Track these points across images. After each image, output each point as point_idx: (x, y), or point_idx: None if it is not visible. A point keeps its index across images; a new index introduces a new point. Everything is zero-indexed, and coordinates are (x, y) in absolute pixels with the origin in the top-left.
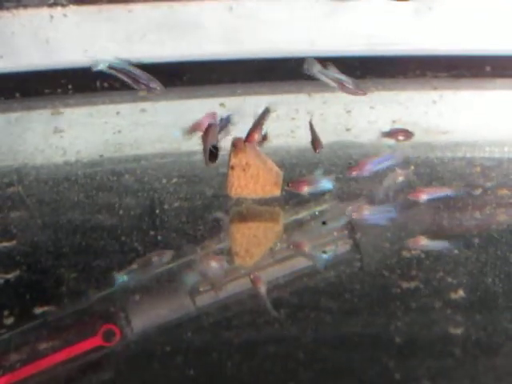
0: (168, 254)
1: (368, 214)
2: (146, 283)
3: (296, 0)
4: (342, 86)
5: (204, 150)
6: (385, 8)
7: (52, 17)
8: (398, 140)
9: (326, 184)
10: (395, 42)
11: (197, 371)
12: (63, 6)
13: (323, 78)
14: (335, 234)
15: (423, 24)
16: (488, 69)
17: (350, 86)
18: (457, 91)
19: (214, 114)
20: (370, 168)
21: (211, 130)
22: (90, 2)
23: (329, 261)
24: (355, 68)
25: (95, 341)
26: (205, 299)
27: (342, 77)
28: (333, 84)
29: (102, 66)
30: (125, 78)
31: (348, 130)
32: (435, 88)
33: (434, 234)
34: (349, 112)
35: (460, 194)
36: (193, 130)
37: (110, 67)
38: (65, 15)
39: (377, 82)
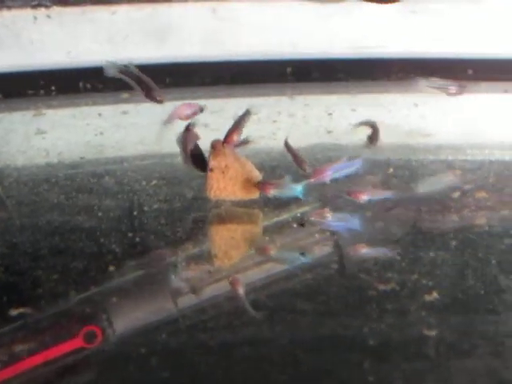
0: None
1: (327, 219)
2: (128, 285)
3: (279, 3)
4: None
5: (184, 150)
6: (368, 11)
7: (35, 18)
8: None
9: (294, 189)
10: (378, 44)
11: (178, 373)
12: (47, 7)
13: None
14: (315, 235)
15: (406, 27)
16: (470, 72)
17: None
18: (439, 94)
19: (193, 105)
20: (329, 174)
21: (189, 132)
22: (73, 3)
23: (306, 263)
24: (338, 71)
25: (76, 342)
26: (186, 301)
27: (446, 83)
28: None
29: (113, 72)
30: (133, 84)
31: (329, 132)
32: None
33: (411, 237)
34: (330, 114)
35: (402, 197)
36: (171, 119)
37: (121, 72)
38: (48, 16)
39: (359, 84)
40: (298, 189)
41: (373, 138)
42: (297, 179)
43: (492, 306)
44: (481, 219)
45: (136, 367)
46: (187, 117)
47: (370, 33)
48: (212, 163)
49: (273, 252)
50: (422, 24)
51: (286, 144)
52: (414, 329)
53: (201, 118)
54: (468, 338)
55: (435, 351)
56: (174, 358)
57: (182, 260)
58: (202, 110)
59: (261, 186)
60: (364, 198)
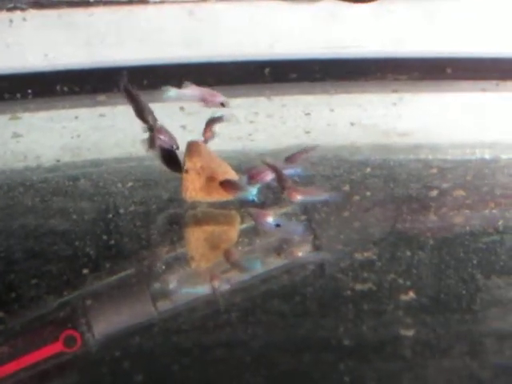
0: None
1: (270, 219)
2: (107, 288)
3: (255, 4)
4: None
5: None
6: (344, 11)
7: (11, 21)
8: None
9: (249, 192)
10: (355, 44)
11: (157, 376)
12: (22, 10)
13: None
14: (291, 236)
15: (383, 27)
16: (449, 71)
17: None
18: (417, 94)
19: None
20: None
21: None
22: (49, 6)
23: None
24: (315, 71)
25: (56, 347)
26: (166, 304)
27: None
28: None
29: (172, 94)
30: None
31: (307, 132)
32: (395, 90)
33: (389, 237)
34: (308, 115)
35: (336, 199)
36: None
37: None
38: (24, 19)
39: (336, 84)
40: (252, 191)
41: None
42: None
43: (469, 305)
44: (459, 218)
45: (115, 370)
46: (207, 103)
47: (346, 33)
48: (187, 164)
49: (236, 257)
50: (399, 23)
51: (266, 163)
52: (391, 329)
53: (178, 120)
54: (444, 338)
55: (411, 351)
56: (153, 361)
57: (160, 262)
58: (223, 104)
59: (224, 185)
60: (298, 198)
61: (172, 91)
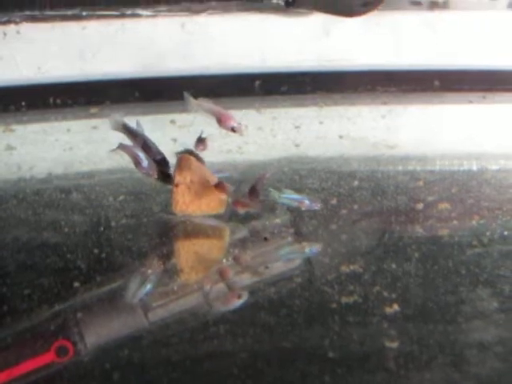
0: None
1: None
2: (98, 299)
3: (246, 17)
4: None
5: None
6: (334, 24)
7: (5, 34)
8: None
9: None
10: (344, 57)
11: None
12: (16, 23)
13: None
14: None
15: (372, 40)
16: (437, 83)
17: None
18: (406, 106)
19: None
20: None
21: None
22: (42, 19)
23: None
24: (305, 84)
25: (48, 356)
26: (157, 314)
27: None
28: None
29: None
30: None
31: (297, 145)
32: (385, 103)
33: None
34: (298, 127)
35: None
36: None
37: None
38: (18, 32)
39: (326, 97)
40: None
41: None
42: None
43: (452, 317)
44: (443, 230)
45: (107, 380)
46: (219, 124)
47: (337, 46)
48: (177, 178)
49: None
50: (388, 36)
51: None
52: (375, 341)
53: (169, 133)
54: (428, 349)
55: (394, 363)
56: (144, 371)
57: (150, 274)
58: (234, 130)
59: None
60: (241, 210)
61: (191, 100)
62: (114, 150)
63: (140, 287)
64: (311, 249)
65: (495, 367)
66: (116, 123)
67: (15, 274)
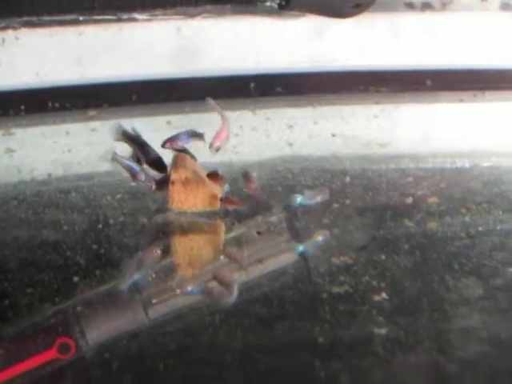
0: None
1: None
2: (100, 296)
3: (241, 21)
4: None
5: None
6: (328, 26)
7: (4, 40)
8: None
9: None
10: (338, 58)
11: (149, 381)
12: (15, 29)
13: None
14: (275, 246)
15: (366, 41)
16: (429, 82)
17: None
18: (398, 105)
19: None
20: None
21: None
22: (41, 25)
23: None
24: (299, 85)
25: (51, 353)
26: (157, 312)
27: None
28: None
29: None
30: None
31: (290, 144)
32: (377, 102)
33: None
34: (291, 127)
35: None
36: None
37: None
38: (16, 38)
39: (320, 97)
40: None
41: None
42: None
43: (439, 304)
44: (432, 223)
45: (108, 376)
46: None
47: (330, 47)
48: (173, 176)
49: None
50: (381, 37)
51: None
52: (364, 328)
53: (165, 134)
54: (415, 335)
55: (382, 348)
56: (145, 366)
57: (148, 270)
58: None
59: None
60: (230, 207)
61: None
62: (111, 162)
63: (133, 274)
64: (321, 237)
65: (479, 351)
66: (118, 133)
67: (17, 272)
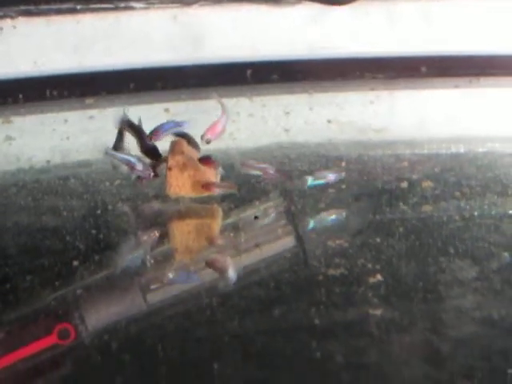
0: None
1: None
2: (99, 282)
3: (237, 8)
4: None
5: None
6: (323, 13)
7: (1, 29)
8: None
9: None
10: (334, 45)
11: (150, 367)
12: (12, 18)
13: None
14: (273, 231)
15: (361, 28)
16: (424, 69)
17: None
18: (393, 91)
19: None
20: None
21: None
22: (38, 14)
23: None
24: (296, 72)
25: (51, 339)
26: (155, 297)
27: None
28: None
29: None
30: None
31: (286, 131)
32: (373, 89)
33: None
34: (287, 114)
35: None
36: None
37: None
38: (14, 27)
39: (316, 84)
40: None
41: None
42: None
43: (432, 285)
44: (426, 207)
45: (108, 361)
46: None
47: (326, 34)
48: (170, 162)
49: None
50: (377, 24)
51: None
52: (360, 309)
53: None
54: (409, 316)
55: (377, 329)
56: (144, 351)
57: (146, 256)
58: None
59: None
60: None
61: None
62: (105, 156)
63: (131, 259)
64: (335, 215)
65: (472, 331)
66: (121, 121)
67: (16, 259)
